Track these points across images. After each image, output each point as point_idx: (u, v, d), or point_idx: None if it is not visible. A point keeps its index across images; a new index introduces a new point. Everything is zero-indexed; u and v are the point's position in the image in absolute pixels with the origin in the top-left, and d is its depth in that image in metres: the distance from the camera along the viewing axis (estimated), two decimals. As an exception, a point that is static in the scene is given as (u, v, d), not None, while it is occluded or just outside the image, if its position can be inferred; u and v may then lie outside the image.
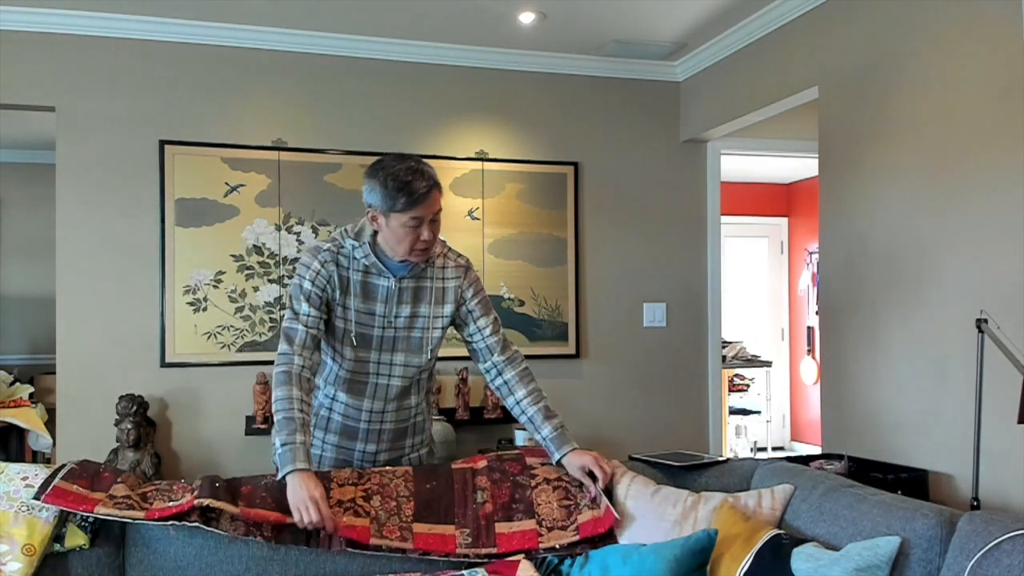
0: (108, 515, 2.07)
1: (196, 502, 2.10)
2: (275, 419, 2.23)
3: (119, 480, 2.21)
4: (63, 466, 2.21)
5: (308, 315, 2.33)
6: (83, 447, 3.83)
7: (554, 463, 2.43)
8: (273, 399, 2.28)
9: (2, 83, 3.87)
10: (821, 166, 3.68)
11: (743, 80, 4.20)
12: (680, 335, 4.75)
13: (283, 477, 2.15)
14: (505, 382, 2.48)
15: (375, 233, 2.38)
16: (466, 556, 2.24)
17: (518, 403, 2.46)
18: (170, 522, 2.11)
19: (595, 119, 4.65)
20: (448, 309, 2.46)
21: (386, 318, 2.40)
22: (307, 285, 2.34)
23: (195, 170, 4.07)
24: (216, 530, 2.12)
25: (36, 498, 2.07)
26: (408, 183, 2.26)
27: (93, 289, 3.95)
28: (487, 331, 2.50)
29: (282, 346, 2.32)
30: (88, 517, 2.12)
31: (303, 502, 2.11)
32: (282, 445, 2.17)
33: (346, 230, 2.42)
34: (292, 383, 2.26)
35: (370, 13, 3.93)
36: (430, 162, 4.43)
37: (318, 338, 2.36)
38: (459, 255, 2.53)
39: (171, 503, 2.15)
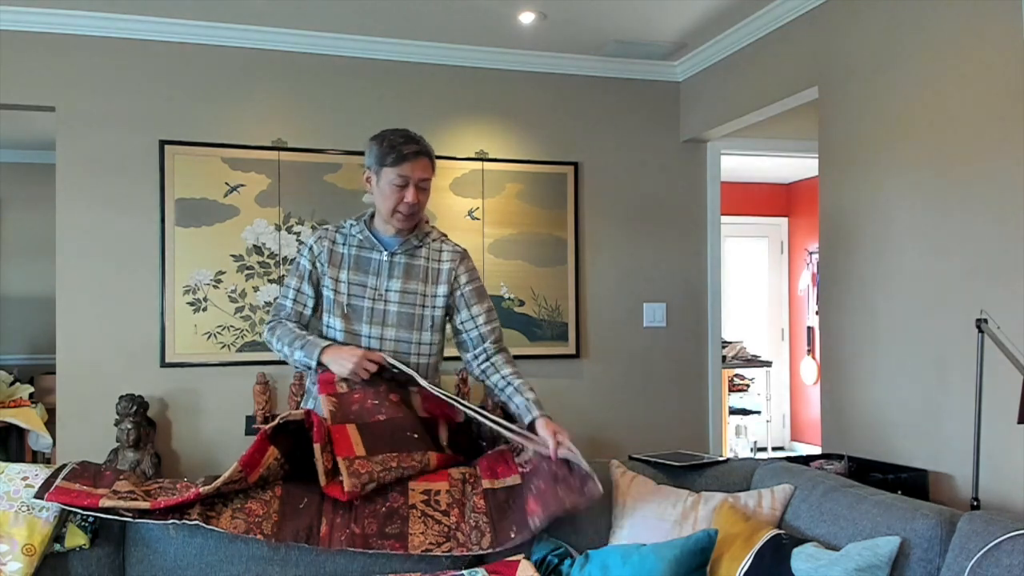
0: (113, 507, 2.06)
1: (203, 490, 2.11)
2: (285, 346, 2.47)
3: (121, 478, 2.21)
4: (64, 466, 2.21)
5: (298, 291, 2.55)
6: (83, 447, 3.83)
7: (526, 423, 2.46)
8: (275, 342, 2.51)
9: (2, 83, 3.87)
10: (821, 166, 3.68)
11: (743, 80, 4.20)
12: (680, 335, 4.75)
13: (319, 362, 2.39)
14: (493, 363, 2.56)
15: (372, 216, 2.58)
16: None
17: (503, 377, 2.54)
18: (170, 520, 2.11)
19: (595, 119, 4.65)
20: (442, 290, 2.56)
21: (377, 290, 2.52)
22: (303, 262, 2.56)
23: (195, 170, 4.07)
24: (216, 528, 2.12)
25: (38, 497, 2.06)
26: (400, 144, 2.47)
27: (93, 289, 3.95)
28: (480, 319, 2.58)
29: (268, 318, 2.60)
30: (88, 516, 2.12)
31: (352, 363, 2.35)
32: (301, 348, 2.44)
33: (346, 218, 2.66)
34: (284, 323, 2.53)
35: (370, 13, 3.93)
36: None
37: (303, 314, 2.56)
38: (456, 244, 2.66)
39: (176, 496, 2.15)
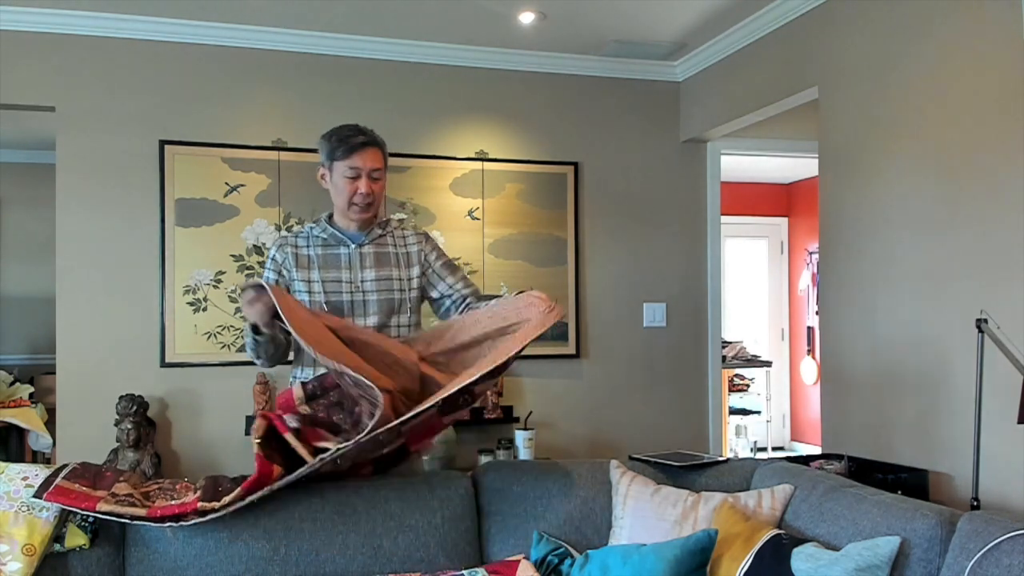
0: (110, 512, 2.06)
1: (199, 505, 2.10)
2: (247, 340, 2.39)
3: (121, 479, 2.21)
4: (64, 466, 2.21)
5: None
6: (83, 447, 3.82)
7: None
8: (247, 343, 2.42)
9: (2, 83, 3.86)
10: (821, 166, 3.68)
11: (743, 80, 4.20)
12: (680, 335, 4.75)
13: (251, 325, 2.29)
14: (469, 304, 2.61)
15: (331, 214, 2.61)
16: None
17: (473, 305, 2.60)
18: (168, 523, 2.11)
19: (595, 119, 4.65)
20: (416, 271, 2.61)
21: (352, 283, 2.54)
22: (267, 274, 2.57)
23: (195, 170, 4.07)
24: (216, 511, 2.08)
25: (37, 496, 2.06)
26: (348, 136, 2.51)
27: (93, 289, 3.94)
28: (459, 286, 2.64)
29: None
30: (88, 517, 2.12)
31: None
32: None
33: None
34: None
35: (370, 13, 3.93)
36: (430, 162, 4.51)
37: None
38: (417, 228, 2.73)
39: (173, 502, 2.14)
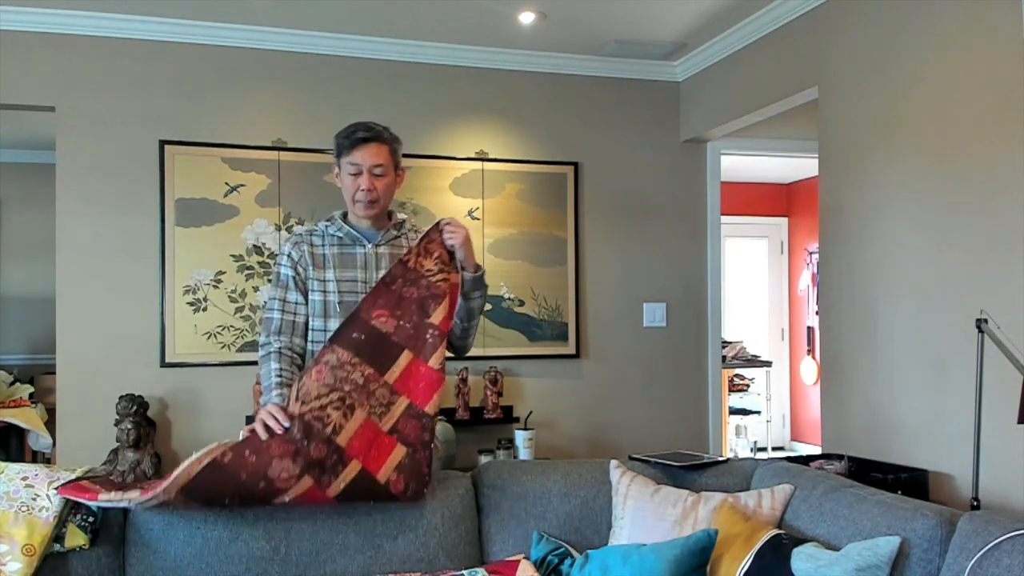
0: (109, 499, 2.07)
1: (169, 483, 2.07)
2: (264, 389, 2.38)
3: (140, 485, 2.20)
4: (98, 476, 2.23)
5: (284, 300, 2.49)
6: (83, 447, 3.83)
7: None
8: (263, 378, 2.42)
9: (2, 83, 3.87)
10: (821, 166, 3.68)
11: (743, 80, 4.20)
12: (680, 335, 4.75)
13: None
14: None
15: (346, 214, 2.59)
16: None
17: None
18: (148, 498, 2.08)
19: (595, 119, 4.65)
20: None
21: (367, 283, 2.50)
22: (283, 271, 2.51)
23: (195, 170, 4.07)
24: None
25: (57, 488, 2.09)
26: (352, 132, 2.51)
27: (93, 289, 3.94)
28: None
29: (260, 338, 2.49)
30: (88, 517, 2.12)
31: (265, 415, 2.21)
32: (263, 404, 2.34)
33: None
34: (271, 360, 2.41)
35: (370, 13, 3.93)
36: (430, 162, 4.45)
37: (295, 322, 2.48)
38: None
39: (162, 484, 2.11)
